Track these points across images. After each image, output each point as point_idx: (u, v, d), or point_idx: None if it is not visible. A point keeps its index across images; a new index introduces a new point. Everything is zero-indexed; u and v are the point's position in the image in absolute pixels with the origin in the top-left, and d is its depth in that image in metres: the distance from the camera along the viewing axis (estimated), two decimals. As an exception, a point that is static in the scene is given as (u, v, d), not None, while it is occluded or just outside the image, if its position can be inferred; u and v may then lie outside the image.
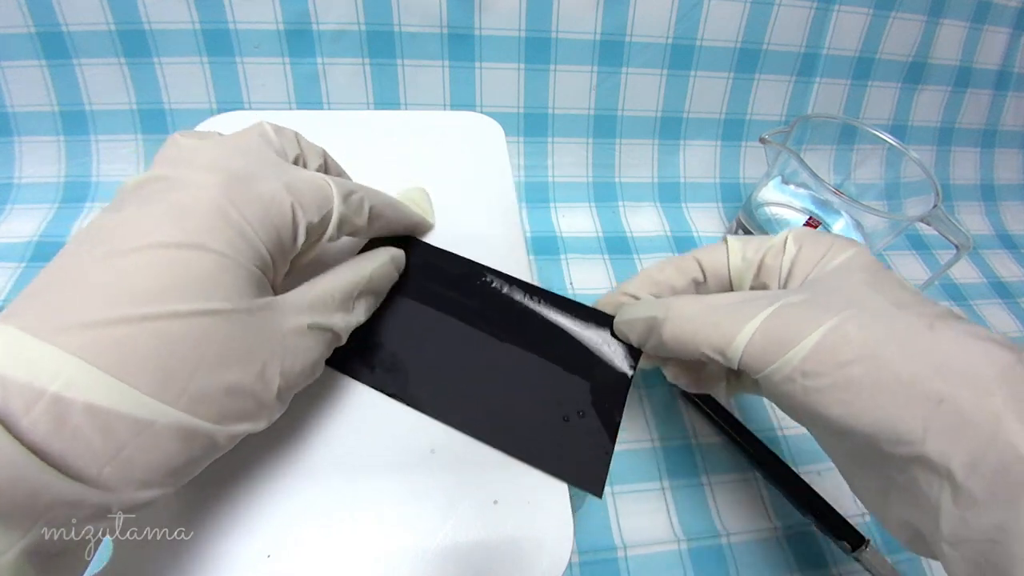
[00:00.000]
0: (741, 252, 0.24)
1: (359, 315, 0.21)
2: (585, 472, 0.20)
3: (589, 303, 0.28)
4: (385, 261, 0.22)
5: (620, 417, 0.22)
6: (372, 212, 0.22)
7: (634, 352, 0.24)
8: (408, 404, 0.21)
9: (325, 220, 0.20)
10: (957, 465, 0.16)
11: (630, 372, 0.23)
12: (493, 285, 0.25)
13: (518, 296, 0.25)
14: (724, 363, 0.20)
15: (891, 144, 0.39)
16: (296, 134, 0.22)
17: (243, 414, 0.16)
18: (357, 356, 0.22)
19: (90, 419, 0.13)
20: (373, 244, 0.25)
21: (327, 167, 0.23)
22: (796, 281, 0.22)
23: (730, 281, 0.24)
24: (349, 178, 0.25)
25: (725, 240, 0.25)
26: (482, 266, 0.25)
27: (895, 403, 0.17)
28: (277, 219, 0.18)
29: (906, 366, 0.17)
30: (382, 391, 0.22)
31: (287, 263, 0.19)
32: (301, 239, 0.19)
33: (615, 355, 0.24)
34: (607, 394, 0.23)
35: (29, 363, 0.13)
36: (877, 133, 0.40)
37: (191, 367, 0.14)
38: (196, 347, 0.15)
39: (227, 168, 0.18)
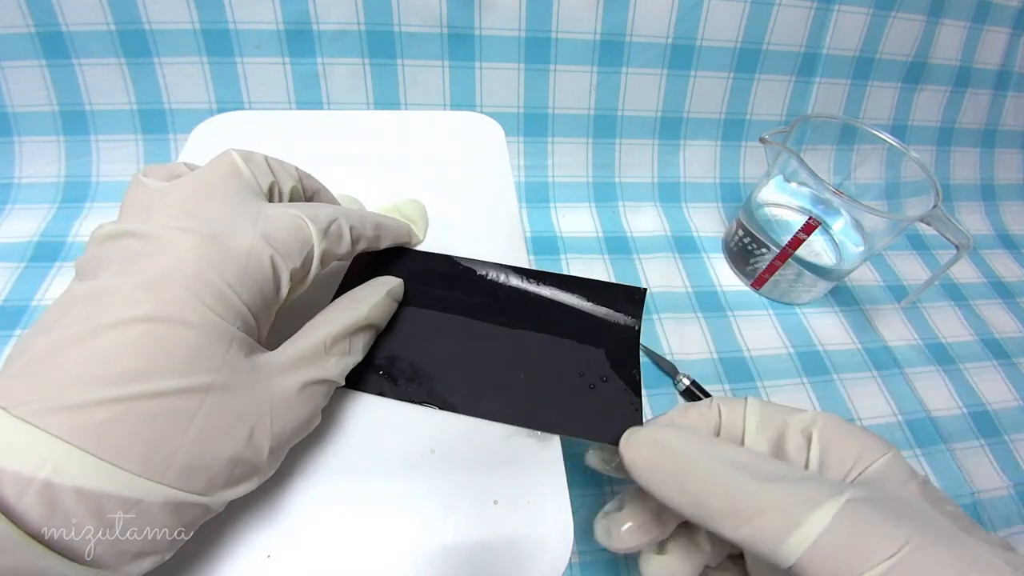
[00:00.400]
0: (759, 414, 0.20)
1: (356, 355, 0.20)
2: (624, 429, 0.20)
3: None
4: (380, 298, 0.22)
5: (639, 371, 0.23)
6: (354, 235, 0.22)
7: (633, 307, 0.25)
8: (440, 407, 0.21)
9: (307, 262, 0.19)
10: None
11: (636, 326, 0.24)
12: (490, 277, 0.25)
13: (516, 282, 0.25)
14: (760, 556, 0.15)
15: (891, 144, 0.39)
16: (265, 158, 0.21)
17: (233, 480, 0.16)
18: (375, 372, 0.22)
19: (80, 502, 0.13)
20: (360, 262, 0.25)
21: (302, 187, 0.22)
22: (832, 470, 0.18)
23: (743, 442, 0.20)
24: (327, 191, 0.24)
25: (745, 399, 0.20)
26: (475, 260, 0.26)
27: None
28: (258, 276, 0.17)
29: None
30: (411, 401, 0.22)
31: (272, 314, 0.19)
32: (285, 290, 0.18)
33: (618, 318, 0.25)
34: (622, 355, 0.23)
35: (17, 449, 0.13)
36: (877, 133, 0.40)
37: (177, 443, 0.15)
38: (181, 423, 0.15)
39: (200, 223, 0.17)
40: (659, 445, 0.18)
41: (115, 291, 0.16)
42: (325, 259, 0.20)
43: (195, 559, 0.17)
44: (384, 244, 0.25)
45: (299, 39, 0.42)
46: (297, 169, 0.22)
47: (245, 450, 0.16)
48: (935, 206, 0.35)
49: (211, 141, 0.31)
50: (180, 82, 0.42)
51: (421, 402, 0.22)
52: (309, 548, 0.18)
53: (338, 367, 0.19)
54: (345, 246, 0.21)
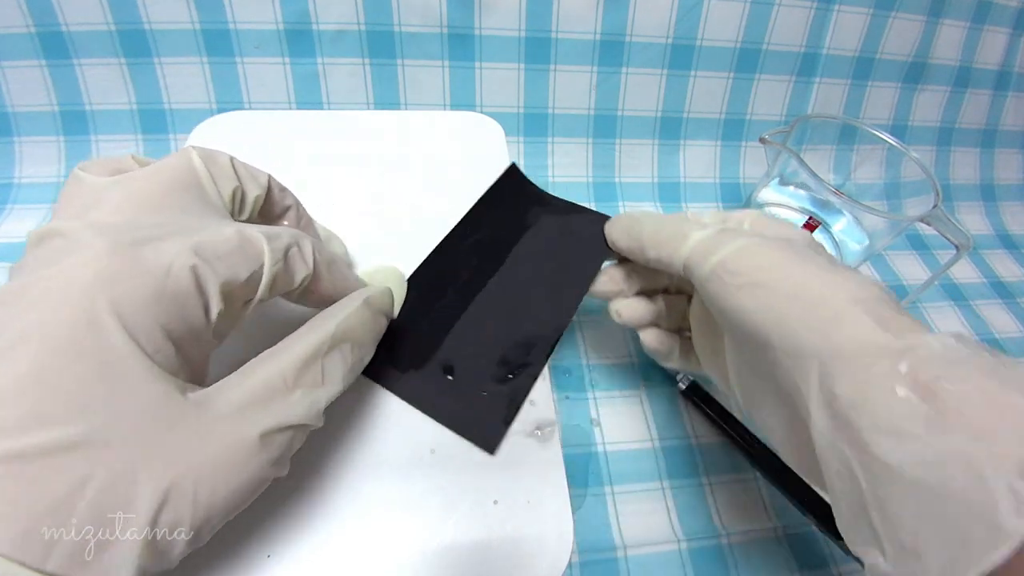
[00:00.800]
0: (712, 213, 0.27)
1: (334, 384, 0.17)
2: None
3: (590, 303, 0.29)
4: (353, 309, 0.19)
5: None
6: (317, 269, 0.19)
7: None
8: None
9: (254, 280, 0.16)
10: (823, 351, 0.18)
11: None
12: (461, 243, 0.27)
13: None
14: (671, 265, 0.24)
15: (891, 144, 0.39)
16: (231, 160, 0.19)
17: (138, 569, 0.13)
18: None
19: None
20: None
21: (271, 196, 0.20)
22: None
23: None
24: (298, 203, 0.22)
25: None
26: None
27: (788, 302, 0.20)
28: (174, 292, 0.14)
29: (804, 277, 0.20)
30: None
31: (205, 345, 0.16)
32: (215, 309, 0.15)
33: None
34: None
35: None
36: (877, 133, 0.40)
37: (64, 516, 0.12)
38: (69, 490, 0.12)
39: (123, 228, 0.15)
40: (629, 216, 0.27)
41: (11, 305, 0.13)
42: (277, 284, 0.17)
43: (195, 559, 0.17)
44: (344, 304, 0.20)
45: (299, 39, 0.42)
46: (271, 179, 0.20)
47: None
48: (935, 206, 0.35)
49: (211, 141, 0.31)
50: (180, 82, 0.42)
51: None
52: (309, 548, 0.18)
53: (306, 404, 0.16)
54: (303, 274, 0.18)
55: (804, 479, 0.23)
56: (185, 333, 0.15)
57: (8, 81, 0.41)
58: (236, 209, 0.19)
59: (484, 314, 0.24)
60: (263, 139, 0.31)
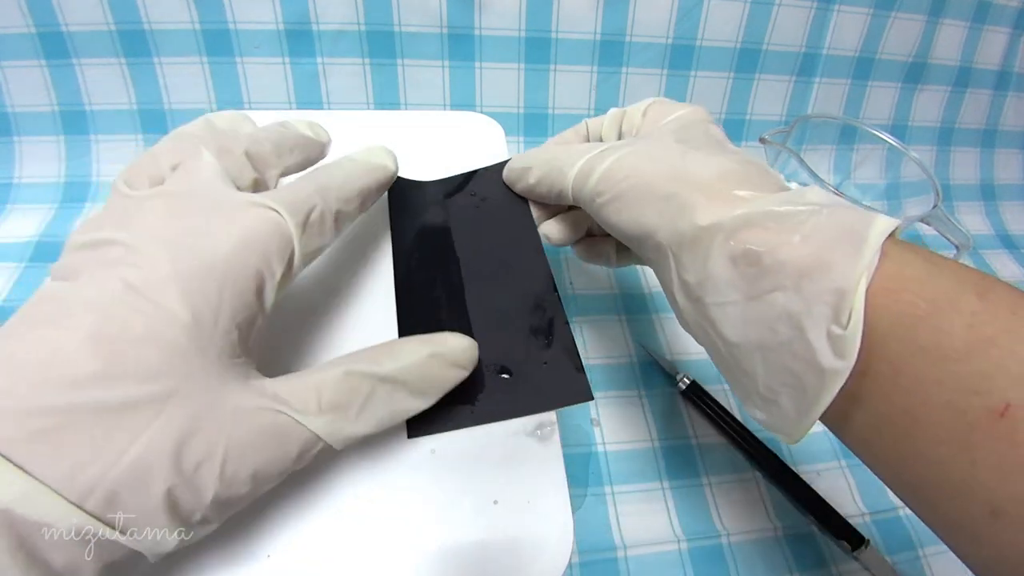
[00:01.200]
0: (611, 116, 0.28)
1: (366, 423, 0.18)
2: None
3: (590, 303, 0.29)
4: (419, 358, 0.19)
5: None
6: (339, 217, 0.20)
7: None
8: None
9: (290, 263, 0.18)
10: (673, 242, 0.21)
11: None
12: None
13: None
14: (564, 198, 0.25)
15: (891, 144, 0.39)
16: (245, 152, 0.20)
17: (167, 520, 0.14)
18: None
19: None
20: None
21: (289, 163, 0.22)
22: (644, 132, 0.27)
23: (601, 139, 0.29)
24: (305, 145, 0.23)
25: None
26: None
27: (643, 205, 0.22)
28: (239, 285, 0.16)
29: (654, 178, 0.22)
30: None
31: (259, 323, 0.18)
32: (270, 299, 0.17)
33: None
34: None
35: None
36: (877, 133, 0.40)
37: (110, 462, 0.13)
38: (122, 440, 0.14)
39: (178, 233, 0.17)
40: (518, 158, 0.28)
41: (84, 297, 0.15)
42: (307, 257, 0.19)
43: (195, 559, 0.17)
44: (369, 205, 0.23)
45: (299, 39, 0.42)
46: (279, 131, 0.22)
47: (186, 488, 0.14)
48: (935, 206, 0.35)
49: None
50: (180, 82, 0.42)
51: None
52: (309, 548, 0.18)
53: (328, 430, 0.17)
54: (328, 235, 0.20)
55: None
56: (244, 320, 0.17)
57: (8, 81, 0.41)
58: (261, 186, 0.21)
59: (482, 306, 0.24)
60: (263, 139, 0.31)
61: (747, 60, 0.47)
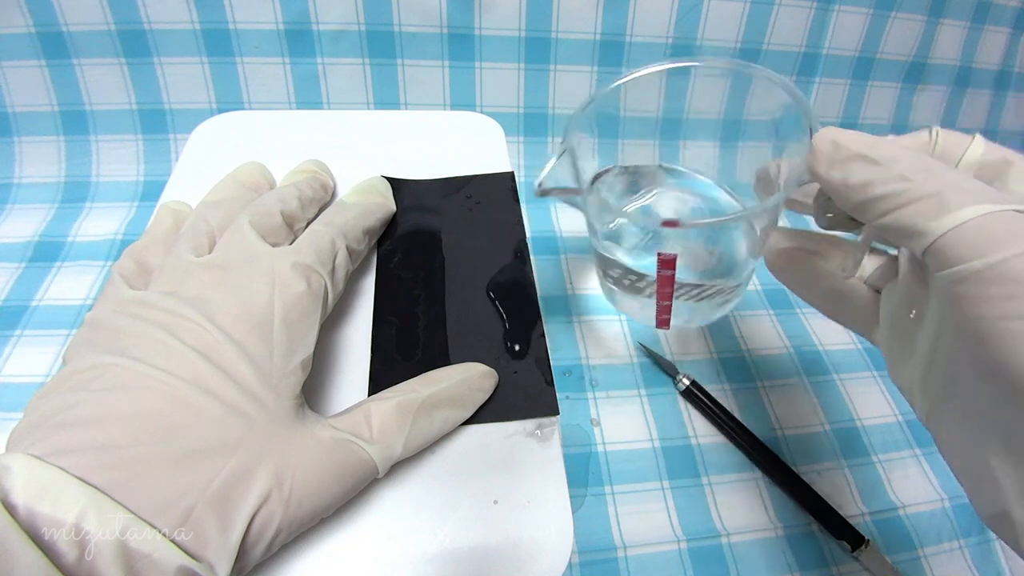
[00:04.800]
0: (984, 145, 0.18)
1: (408, 449, 0.19)
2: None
3: (590, 303, 0.29)
4: (452, 378, 0.21)
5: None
6: (353, 257, 0.23)
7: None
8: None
9: (326, 304, 0.21)
10: None
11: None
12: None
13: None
14: (898, 236, 0.16)
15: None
16: (281, 215, 0.23)
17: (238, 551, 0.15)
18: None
19: (108, 548, 0.14)
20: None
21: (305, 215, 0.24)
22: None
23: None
24: (321, 193, 0.26)
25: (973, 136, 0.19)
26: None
27: None
28: (296, 334, 0.19)
29: None
30: None
31: (308, 365, 0.20)
32: (315, 339, 0.20)
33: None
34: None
35: (51, 492, 0.14)
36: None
37: (195, 498, 0.15)
38: (204, 478, 0.15)
39: (233, 295, 0.19)
40: (858, 139, 0.17)
41: (159, 358, 0.17)
42: (337, 295, 0.22)
43: (195, 559, 0.17)
44: (375, 240, 0.26)
45: (299, 39, 0.42)
46: (299, 193, 0.24)
47: (260, 518, 0.16)
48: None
49: (211, 141, 0.31)
50: (180, 82, 0.42)
51: None
52: (308, 548, 0.18)
53: (379, 458, 0.18)
54: (345, 276, 0.22)
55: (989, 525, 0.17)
56: (303, 362, 0.19)
57: (8, 81, 0.41)
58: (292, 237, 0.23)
59: (461, 308, 0.24)
60: (263, 139, 0.31)
61: (747, 60, 0.47)
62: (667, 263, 0.26)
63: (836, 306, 0.22)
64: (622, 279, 0.30)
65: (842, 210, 0.19)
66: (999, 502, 0.15)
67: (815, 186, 0.20)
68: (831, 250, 0.22)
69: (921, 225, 0.15)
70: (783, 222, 0.25)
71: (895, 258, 0.20)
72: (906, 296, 0.19)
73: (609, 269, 0.31)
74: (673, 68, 0.29)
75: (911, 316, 0.18)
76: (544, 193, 0.23)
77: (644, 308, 0.31)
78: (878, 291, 0.21)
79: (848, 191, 0.17)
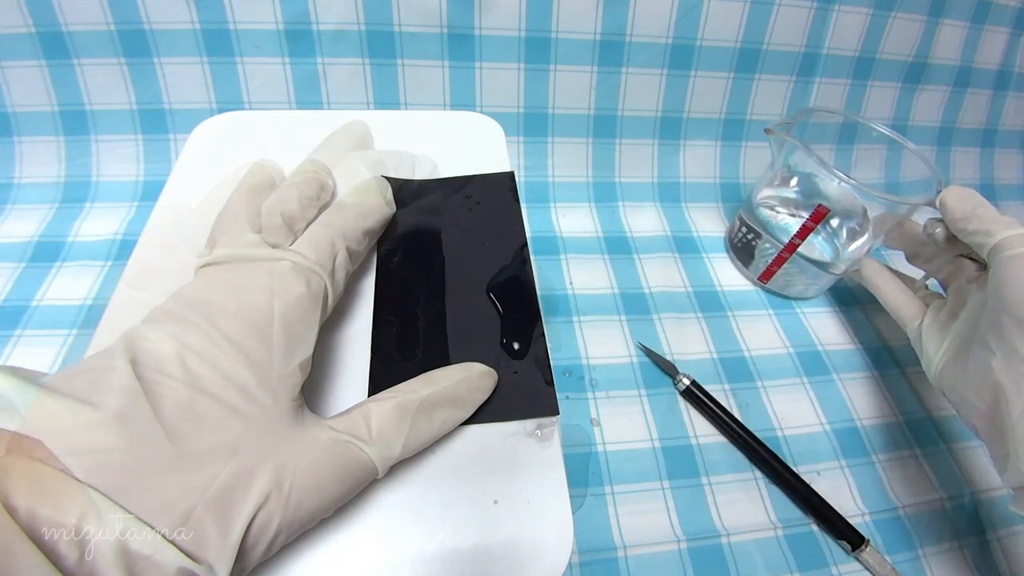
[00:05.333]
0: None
1: (407, 451, 0.19)
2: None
3: (589, 303, 0.28)
4: (450, 377, 0.21)
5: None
6: (353, 258, 0.23)
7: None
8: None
9: (326, 306, 0.21)
10: None
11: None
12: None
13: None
14: (982, 237, 0.29)
15: (891, 138, 0.40)
16: (281, 216, 0.22)
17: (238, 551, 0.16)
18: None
19: (110, 550, 0.14)
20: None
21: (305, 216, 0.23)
22: None
23: None
24: (320, 193, 0.25)
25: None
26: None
27: None
28: (296, 335, 0.19)
29: None
30: None
31: (308, 367, 0.20)
32: (314, 341, 0.20)
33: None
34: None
35: (55, 495, 0.14)
36: (878, 128, 0.40)
37: (195, 500, 0.15)
38: (205, 479, 0.15)
39: (232, 297, 0.19)
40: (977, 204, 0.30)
41: (160, 356, 0.17)
42: (337, 296, 0.22)
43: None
44: (375, 241, 0.26)
45: (299, 39, 0.42)
46: (298, 194, 0.24)
47: (259, 519, 0.16)
48: (939, 191, 0.35)
49: (211, 141, 0.31)
50: (180, 82, 0.42)
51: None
52: (308, 548, 0.18)
53: (376, 448, 0.18)
54: (345, 277, 0.22)
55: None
56: (303, 363, 0.19)
57: (8, 81, 0.41)
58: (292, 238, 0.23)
59: (462, 308, 0.24)
60: (263, 139, 0.31)
61: (747, 60, 0.47)
62: (818, 216, 0.37)
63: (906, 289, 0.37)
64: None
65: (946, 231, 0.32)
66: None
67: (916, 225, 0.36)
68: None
69: (992, 231, 0.28)
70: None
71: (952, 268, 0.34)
72: (960, 288, 0.33)
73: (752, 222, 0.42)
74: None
75: (966, 284, 0.32)
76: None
77: (756, 261, 0.43)
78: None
79: (961, 222, 0.30)
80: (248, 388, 0.17)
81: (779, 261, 0.41)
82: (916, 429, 0.37)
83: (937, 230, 0.32)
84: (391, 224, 0.27)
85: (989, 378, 0.27)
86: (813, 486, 0.32)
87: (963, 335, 0.30)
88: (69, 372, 0.17)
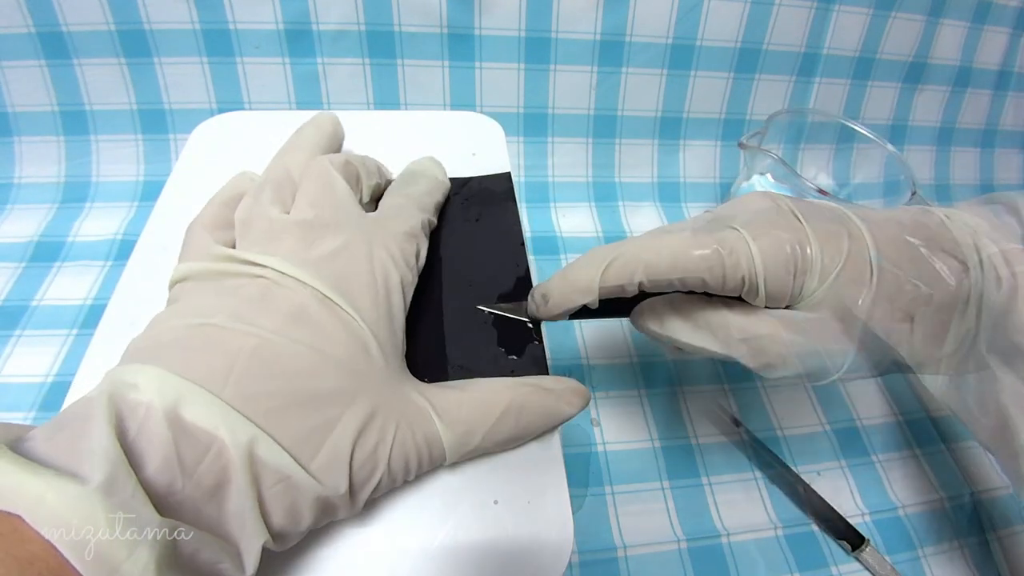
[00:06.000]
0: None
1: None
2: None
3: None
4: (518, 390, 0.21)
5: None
6: (429, 224, 0.24)
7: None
8: None
9: (418, 269, 0.22)
10: None
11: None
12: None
13: None
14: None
15: (871, 138, 0.40)
16: (358, 172, 0.23)
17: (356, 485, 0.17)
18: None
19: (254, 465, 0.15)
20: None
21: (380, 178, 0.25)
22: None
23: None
24: (378, 171, 0.26)
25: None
26: None
27: None
28: (398, 296, 0.20)
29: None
30: None
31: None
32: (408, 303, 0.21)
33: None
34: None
35: (224, 423, 0.15)
36: (858, 128, 0.40)
37: (323, 438, 0.16)
38: (331, 419, 0.17)
39: (337, 255, 0.20)
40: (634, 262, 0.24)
41: (281, 304, 0.18)
42: (423, 261, 0.23)
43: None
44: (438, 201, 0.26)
45: (299, 39, 0.42)
46: (360, 161, 0.24)
47: (361, 466, 0.17)
48: (913, 193, 0.35)
49: (211, 141, 0.31)
50: (180, 82, 0.42)
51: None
52: (308, 548, 0.18)
53: (454, 436, 0.19)
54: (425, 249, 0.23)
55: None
56: (400, 328, 0.20)
57: (8, 81, 0.41)
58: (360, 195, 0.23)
59: (458, 308, 0.24)
60: (263, 139, 0.31)
61: (747, 60, 0.47)
62: None
63: None
64: None
65: None
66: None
67: None
68: None
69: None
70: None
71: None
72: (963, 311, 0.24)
73: None
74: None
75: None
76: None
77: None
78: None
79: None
80: (364, 341, 0.18)
81: None
82: (916, 429, 0.37)
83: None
84: None
85: (993, 398, 0.23)
86: (813, 486, 0.32)
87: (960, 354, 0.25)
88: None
